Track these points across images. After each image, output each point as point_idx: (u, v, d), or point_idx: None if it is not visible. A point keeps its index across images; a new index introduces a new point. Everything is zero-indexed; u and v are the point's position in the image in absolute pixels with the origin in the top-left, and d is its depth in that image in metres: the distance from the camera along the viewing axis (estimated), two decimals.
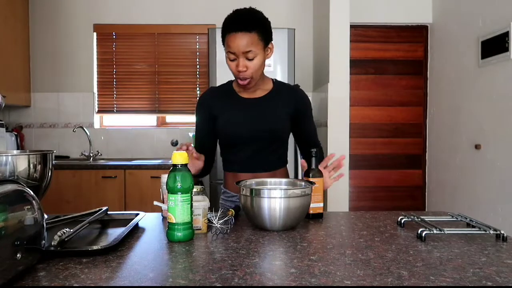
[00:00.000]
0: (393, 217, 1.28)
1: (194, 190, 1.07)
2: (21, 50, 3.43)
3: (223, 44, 1.41)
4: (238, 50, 1.34)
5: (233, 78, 1.52)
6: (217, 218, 1.08)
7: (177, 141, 3.62)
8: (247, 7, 1.41)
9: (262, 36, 1.37)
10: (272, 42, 1.44)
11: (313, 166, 1.29)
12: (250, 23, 1.34)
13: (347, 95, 3.04)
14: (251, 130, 1.45)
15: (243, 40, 1.33)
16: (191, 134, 3.55)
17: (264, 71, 1.48)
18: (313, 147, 1.32)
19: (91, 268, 0.81)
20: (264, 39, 1.38)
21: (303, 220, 1.22)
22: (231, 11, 1.40)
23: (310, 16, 3.66)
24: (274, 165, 1.52)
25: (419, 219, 1.16)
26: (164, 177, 1.19)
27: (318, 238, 1.04)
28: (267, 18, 1.42)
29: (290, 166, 2.92)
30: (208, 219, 1.10)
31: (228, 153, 1.53)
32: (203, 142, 1.55)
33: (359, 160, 3.64)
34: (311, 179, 1.27)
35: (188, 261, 0.86)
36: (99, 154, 3.55)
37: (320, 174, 1.29)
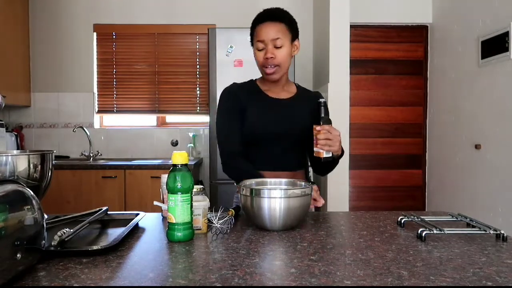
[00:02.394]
0: (393, 217, 1.28)
1: (194, 190, 1.07)
2: (21, 50, 3.43)
3: (252, 38, 1.47)
4: (267, 37, 1.40)
5: (253, 77, 1.58)
6: (217, 218, 1.08)
7: (177, 141, 3.62)
8: (274, 7, 1.48)
9: (290, 29, 1.44)
10: (298, 40, 1.50)
11: (323, 115, 1.32)
12: (278, 14, 1.44)
13: (347, 95, 3.04)
14: (279, 129, 1.47)
15: (272, 28, 1.41)
16: (191, 134, 3.56)
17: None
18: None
19: (91, 268, 0.81)
20: (292, 33, 1.45)
21: (303, 220, 1.22)
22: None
23: (310, 16, 3.66)
24: (295, 165, 1.53)
25: (419, 219, 1.16)
26: (164, 177, 1.19)
27: (318, 238, 1.04)
28: (293, 17, 1.49)
29: None
30: (208, 219, 1.10)
31: (253, 151, 1.51)
32: (234, 128, 1.49)
33: (359, 160, 3.64)
34: (320, 127, 1.29)
35: (188, 261, 0.86)
36: (99, 154, 3.55)
37: (329, 122, 1.32)
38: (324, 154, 1.31)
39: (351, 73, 3.21)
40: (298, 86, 1.59)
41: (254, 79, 1.59)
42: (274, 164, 1.49)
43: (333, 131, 1.31)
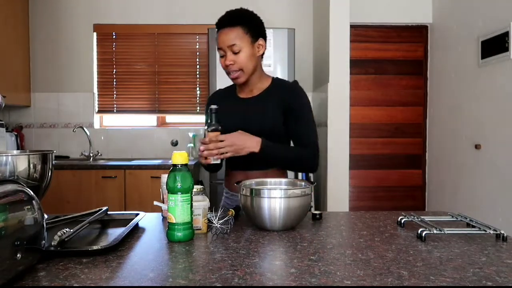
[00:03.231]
0: (393, 217, 1.28)
1: (194, 190, 1.07)
2: (21, 50, 3.43)
3: None
4: (224, 45, 1.42)
5: None
6: (217, 218, 1.08)
7: (177, 141, 3.62)
8: (238, 8, 1.48)
9: (247, 31, 1.42)
10: (264, 39, 1.48)
11: (212, 121, 1.34)
12: (233, 19, 1.43)
13: (347, 95, 3.04)
14: (244, 128, 1.44)
15: (227, 35, 1.41)
16: (191, 134, 3.56)
17: (263, 69, 1.53)
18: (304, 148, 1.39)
19: (91, 268, 0.81)
20: (251, 34, 1.43)
21: (303, 220, 1.22)
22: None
23: (310, 16, 3.66)
24: (266, 164, 1.50)
25: (419, 219, 1.16)
26: (164, 177, 1.19)
27: (318, 238, 1.04)
28: (255, 15, 1.47)
29: None
30: (208, 219, 1.10)
31: None
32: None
33: (359, 160, 3.64)
34: (207, 130, 1.33)
35: (188, 261, 0.86)
36: (99, 154, 3.55)
37: (217, 129, 1.33)
38: (212, 161, 1.34)
39: (351, 73, 3.21)
40: (274, 80, 1.54)
41: None
42: (244, 164, 1.49)
43: (222, 138, 1.33)
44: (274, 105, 1.46)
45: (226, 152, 1.32)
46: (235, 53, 1.41)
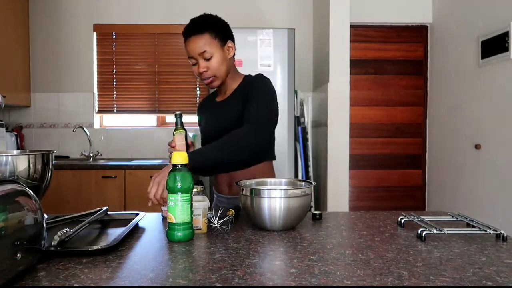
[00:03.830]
0: (393, 217, 1.28)
1: (194, 190, 1.07)
2: (21, 50, 3.43)
3: None
4: (194, 53, 1.42)
5: None
6: (217, 218, 1.08)
7: None
8: (202, 14, 1.52)
9: (215, 35, 1.43)
10: (232, 41, 1.48)
11: (178, 125, 1.37)
12: (199, 26, 1.43)
13: (347, 95, 3.04)
14: (215, 132, 1.45)
15: (196, 43, 1.41)
16: (191, 134, 3.55)
17: (237, 70, 1.55)
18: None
19: (91, 268, 0.81)
20: (219, 38, 1.43)
21: (303, 220, 1.22)
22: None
23: (310, 16, 3.66)
24: (246, 163, 1.48)
25: (419, 219, 1.16)
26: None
27: (318, 238, 1.04)
28: (220, 19, 1.50)
29: (288, 167, 2.92)
30: (208, 219, 1.10)
31: None
32: (206, 142, 1.57)
33: (359, 160, 3.64)
34: (174, 134, 1.37)
35: (188, 261, 0.86)
36: (99, 154, 3.55)
37: (180, 131, 1.36)
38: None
39: (351, 73, 3.21)
40: (244, 79, 1.52)
41: None
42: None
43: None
44: (242, 102, 1.44)
45: (160, 192, 1.20)
46: (207, 60, 1.41)
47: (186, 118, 3.74)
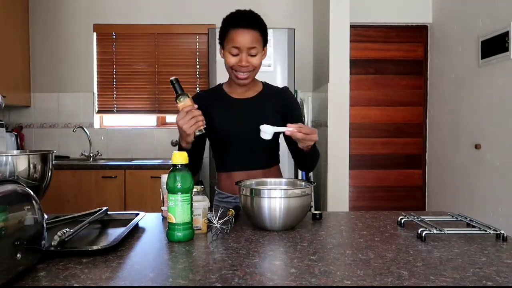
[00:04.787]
0: (393, 217, 1.28)
1: (194, 190, 1.07)
2: (21, 50, 3.43)
3: (223, 40, 1.46)
4: (244, 45, 1.39)
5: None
6: (217, 218, 1.08)
7: (177, 141, 3.61)
8: (247, 9, 1.47)
9: (262, 36, 1.44)
10: (267, 46, 1.50)
11: (179, 92, 1.33)
12: (255, 21, 1.42)
13: (347, 95, 3.04)
14: (245, 128, 1.47)
15: (250, 37, 1.39)
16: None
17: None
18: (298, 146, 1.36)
19: (91, 268, 0.81)
20: (263, 40, 1.45)
21: (303, 220, 1.22)
22: (233, 11, 1.47)
23: (310, 16, 3.66)
24: (267, 163, 1.54)
25: (419, 219, 1.16)
26: (164, 177, 1.19)
27: (318, 238, 1.04)
28: (264, 22, 1.49)
29: (288, 167, 2.92)
30: (208, 219, 1.10)
31: (222, 153, 1.54)
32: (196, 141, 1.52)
33: (359, 160, 3.64)
34: (177, 102, 1.31)
35: (188, 261, 0.86)
36: (99, 154, 3.55)
37: (187, 95, 1.32)
38: (197, 133, 1.30)
39: (351, 73, 3.21)
40: (264, 84, 1.58)
41: (221, 83, 1.60)
42: (245, 165, 1.50)
43: (306, 129, 1.29)
44: (271, 107, 1.51)
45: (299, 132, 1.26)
46: (252, 55, 1.41)
47: None
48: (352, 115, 3.47)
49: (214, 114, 1.51)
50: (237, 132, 1.48)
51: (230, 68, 1.45)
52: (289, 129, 1.26)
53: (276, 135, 1.46)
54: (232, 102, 1.52)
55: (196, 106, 1.31)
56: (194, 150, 1.40)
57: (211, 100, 1.55)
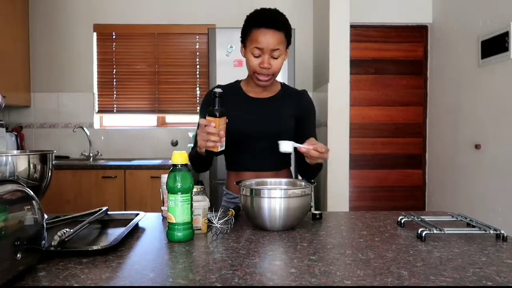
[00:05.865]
0: (393, 217, 1.28)
1: (194, 190, 1.07)
2: (21, 50, 3.43)
3: (245, 39, 1.41)
4: (267, 47, 1.36)
5: (240, 77, 1.56)
6: (217, 218, 1.08)
7: (177, 141, 3.62)
8: (272, 7, 1.43)
9: (286, 37, 1.40)
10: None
11: (216, 106, 1.22)
12: (281, 22, 1.38)
13: (347, 95, 3.04)
14: (260, 128, 1.46)
15: (274, 38, 1.36)
16: (191, 134, 3.55)
17: None
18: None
19: (91, 268, 0.81)
20: (287, 42, 1.42)
21: (303, 220, 1.22)
22: (257, 9, 1.42)
23: (310, 16, 3.66)
24: (278, 165, 1.52)
25: (419, 219, 1.16)
26: (164, 177, 1.19)
27: (318, 238, 1.04)
28: (290, 23, 1.45)
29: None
30: (208, 219, 1.10)
31: (233, 152, 1.51)
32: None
33: (359, 160, 3.63)
34: (208, 117, 1.22)
35: (188, 261, 0.86)
36: (99, 154, 3.55)
37: (216, 114, 1.21)
38: (220, 148, 1.25)
39: (351, 73, 3.21)
40: (282, 85, 1.56)
41: (239, 79, 1.57)
42: (257, 165, 1.48)
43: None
44: (288, 109, 1.49)
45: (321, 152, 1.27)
46: (274, 58, 1.38)
47: (186, 118, 3.76)
48: (352, 115, 3.47)
49: (232, 110, 1.45)
50: (250, 132, 1.46)
51: (252, 70, 1.42)
52: (306, 146, 1.25)
53: (291, 137, 1.44)
54: (248, 101, 1.50)
55: (215, 125, 1.22)
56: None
57: (228, 96, 1.48)
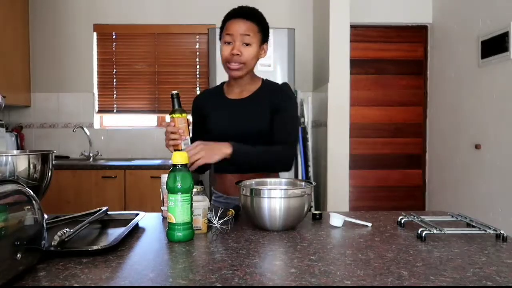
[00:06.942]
0: (393, 217, 1.28)
1: (194, 190, 1.07)
2: (21, 50, 3.43)
3: (221, 35, 1.45)
4: (237, 32, 1.38)
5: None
6: (217, 218, 1.08)
7: None
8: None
9: (260, 30, 1.42)
10: (267, 45, 1.48)
11: (175, 107, 1.32)
12: (250, 13, 1.41)
13: (347, 95, 3.04)
14: (235, 131, 1.43)
15: (243, 25, 1.39)
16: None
17: (255, 71, 1.50)
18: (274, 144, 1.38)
19: (91, 268, 0.81)
20: (262, 35, 1.43)
21: (303, 220, 1.22)
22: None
23: (310, 16, 3.66)
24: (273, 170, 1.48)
25: (419, 219, 1.16)
26: (164, 177, 1.19)
27: (318, 238, 1.04)
28: (266, 20, 1.47)
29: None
30: (208, 219, 1.10)
31: None
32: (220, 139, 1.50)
33: (359, 160, 3.64)
34: (172, 115, 1.32)
35: (188, 261, 0.86)
36: (99, 154, 3.55)
37: (180, 113, 1.32)
38: (183, 145, 1.32)
39: (351, 73, 3.21)
40: (264, 81, 1.52)
41: (224, 81, 1.57)
42: (237, 167, 1.43)
43: (193, 146, 1.28)
44: (263, 107, 1.45)
45: (199, 158, 1.25)
46: (246, 45, 1.38)
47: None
48: (352, 115, 3.47)
49: (208, 114, 1.51)
50: (229, 133, 1.43)
51: (224, 60, 1.42)
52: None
53: (265, 139, 1.42)
54: (226, 103, 1.49)
55: (174, 124, 1.31)
56: None
57: (208, 99, 1.54)
